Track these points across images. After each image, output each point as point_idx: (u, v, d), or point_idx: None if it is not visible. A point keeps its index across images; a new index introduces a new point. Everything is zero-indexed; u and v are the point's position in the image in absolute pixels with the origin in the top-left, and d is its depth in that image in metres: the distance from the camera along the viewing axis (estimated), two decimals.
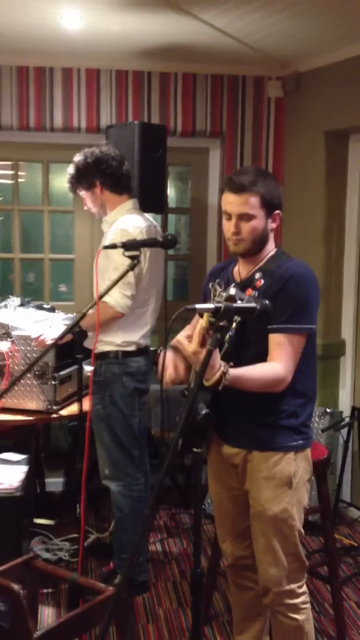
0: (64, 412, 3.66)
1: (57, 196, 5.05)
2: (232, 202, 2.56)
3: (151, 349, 3.70)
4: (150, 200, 4.00)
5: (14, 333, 3.56)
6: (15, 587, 2.33)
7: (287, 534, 2.61)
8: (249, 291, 2.56)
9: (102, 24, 3.90)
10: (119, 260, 3.07)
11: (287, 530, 2.61)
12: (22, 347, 3.55)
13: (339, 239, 4.67)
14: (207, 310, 2.19)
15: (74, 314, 3.97)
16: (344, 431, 4.34)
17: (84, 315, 2.83)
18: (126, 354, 3.50)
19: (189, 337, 2.38)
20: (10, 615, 2.35)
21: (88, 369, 3.38)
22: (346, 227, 4.67)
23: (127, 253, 2.82)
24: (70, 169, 3.58)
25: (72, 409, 3.67)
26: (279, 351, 2.49)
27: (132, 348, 3.52)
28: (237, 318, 2.47)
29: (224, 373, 2.31)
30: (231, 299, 2.22)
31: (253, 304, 2.23)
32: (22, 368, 3.53)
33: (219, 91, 4.86)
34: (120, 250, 2.86)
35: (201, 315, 2.26)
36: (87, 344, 3.26)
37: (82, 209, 3.77)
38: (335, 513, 4.40)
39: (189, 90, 4.82)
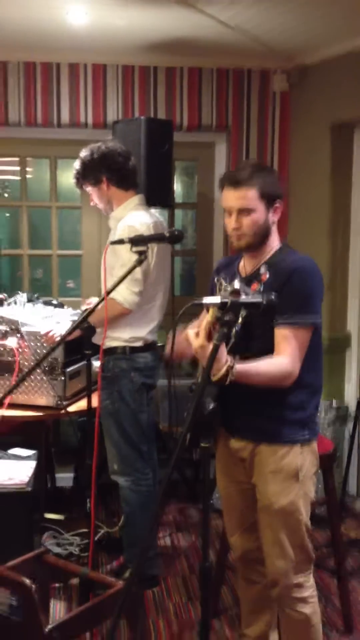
0: (73, 408, 3.68)
1: (65, 192, 5.06)
2: (230, 197, 2.57)
3: (158, 344, 3.71)
4: (157, 196, 4.01)
5: (23, 329, 3.57)
6: (27, 581, 2.35)
7: (294, 527, 2.63)
8: (255, 285, 2.57)
9: (107, 19, 3.91)
10: (127, 256, 3.08)
11: (294, 523, 2.62)
12: (32, 343, 3.57)
13: (345, 232, 4.67)
14: (213, 304, 2.21)
15: (83, 304, 3.98)
16: (350, 424, 4.35)
17: (92, 311, 2.85)
18: (134, 350, 3.52)
19: (196, 333, 2.39)
20: (22, 610, 2.37)
21: (96, 364, 3.40)
22: (352, 221, 4.67)
23: (135, 249, 2.83)
24: (77, 165, 3.58)
25: (82, 404, 3.69)
26: (285, 345, 2.50)
27: (139, 344, 3.53)
28: (243, 312, 2.48)
29: (231, 367, 2.33)
30: (236, 292, 2.24)
31: (259, 299, 2.24)
32: (31, 364, 3.55)
33: (224, 85, 4.86)
34: (127, 247, 2.86)
35: (208, 310, 2.28)
36: (96, 339, 3.27)
37: (89, 204, 3.77)
38: (342, 506, 4.40)
39: (194, 85, 4.82)
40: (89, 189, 3.62)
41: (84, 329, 2.90)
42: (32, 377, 3.57)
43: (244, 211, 2.55)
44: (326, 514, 3.47)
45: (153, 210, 3.71)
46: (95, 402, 3.21)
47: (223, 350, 2.31)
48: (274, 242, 2.65)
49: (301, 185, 4.85)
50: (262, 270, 2.60)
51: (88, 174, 3.56)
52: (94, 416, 3.00)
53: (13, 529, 3.04)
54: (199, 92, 4.83)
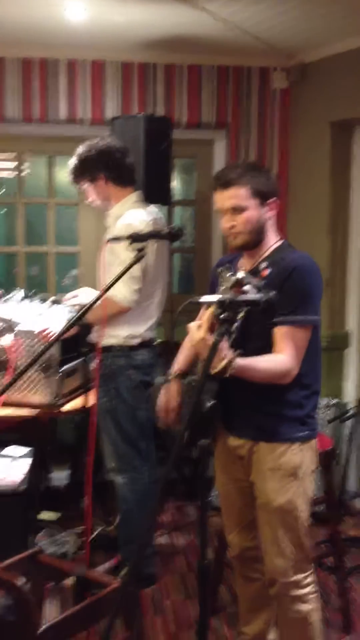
0: (69, 406, 3.66)
1: (62, 189, 5.04)
2: (221, 198, 2.58)
3: (157, 341, 3.69)
4: (156, 193, 3.98)
5: (18, 327, 3.55)
6: (21, 581, 2.33)
7: (292, 525, 2.62)
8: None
9: (106, 15, 3.89)
10: (125, 255, 3.06)
11: (292, 521, 2.61)
12: (27, 341, 3.55)
13: (344, 230, 4.66)
14: (212, 302, 2.19)
15: (65, 300, 3.97)
16: (350, 422, 4.34)
17: (88, 309, 2.82)
18: (132, 347, 3.50)
19: (197, 325, 2.38)
20: (16, 610, 2.35)
21: (94, 362, 3.38)
22: (351, 219, 4.66)
23: (134, 246, 2.80)
24: (74, 161, 3.55)
25: (78, 402, 3.68)
26: (284, 343, 2.49)
27: (137, 341, 3.51)
28: (242, 310, 2.47)
29: (231, 361, 2.31)
30: (239, 282, 2.23)
31: (259, 296, 2.23)
32: (27, 362, 3.52)
33: (224, 83, 4.84)
34: (126, 245, 2.84)
35: (207, 308, 2.28)
36: (92, 337, 3.25)
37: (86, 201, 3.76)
38: (341, 504, 4.39)
39: (194, 82, 4.80)
40: (86, 185, 3.59)
41: (81, 326, 2.88)
42: (27, 375, 3.55)
43: (236, 210, 2.55)
44: (325, 512, 3.45)
45: (152, 207, 3.69)
46: (92, 399, 3.19)
47: (224, 343, 2.30)
48: (272, 240, 2.64)
49: (301, 183, 4.83)
50: (263, 265, 2.59)
51: (85, 170, 3.54)
52: (91, 413, 2.98)
53: (7, 528, 3.03)
54: (198, 90, 4.81)
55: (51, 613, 3.45)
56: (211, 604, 3.44)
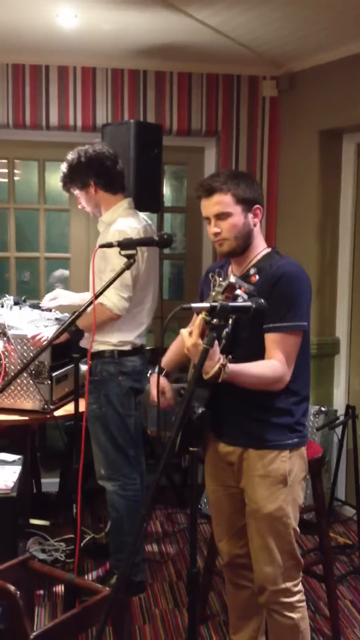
0: (60, 412, 3.66)
1: (53, 194, 5.04)
2: (206, 205, 2.61)
3: (147, 347, 3.69)
4: (146, 199, 3.99)
5: (9, 332, 3.55)
6: (12, 588, 2.32)
7: (282, 532, 2.61)
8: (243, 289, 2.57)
9: (97, 22, 3.90)
10: (117, 262, 3.06)
11: (282, 529, 2.61)
12: (18, 347, 3.54)
13: (333, 237, 4.68)
14: (203, 309, 2.20)
15: (44, 300, 3.97)
16: (339, 430, 4.35)
17: (79, 314, 2.83)
18: (122, 354, 3.50)
19: (189, 331, 2.39)
20: (7, 616, 2.34)
21: (84, 368, 3.38)
22: (340, 226, 4.68)
23: (124, 252, 2.81)
24: (64, 168, 3.56)
25: (68, 408, 3.67)
26: (275, 350, 2.50)
27: (127, 347, 3.51)
28: (232, 317, 2.48)
29: (223, 365, 2.32)
30: (231, 286, 2.24)
31: (248, 303, 2.24)
32: (17, 368, 3.52)
33: (214, 90, 4.85)
34: (117, 252, 2.85)
35: (198, 314, 2.28)
36: (83, 343, 3.25)
37: (77, 207, 3.76)
38: (330, 511, 4.40)
39: (184, 89, 4.82)
40: (77, 192, 3.60)
41: (72, 332, 2.88)
42: (18, 380, 3.55)
43: (221, 216, 2.58)
44: (314, 520, 3.45)
45: (142, 214, 3.69)
46: (82, 406, 3.18)
47: (216, 348, 2.31)
48: (260, 246, 2.67)
49: (290, 191, 4.85)
50: (252, 271, 2.61)
51: (75, 177, 3.54)
52: (81, 420, 2.98)
53: None
54: (188, 97, 4.83)
55: (41, 620, 3.44)
56: (200, 612, 3.43)
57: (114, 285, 3.26)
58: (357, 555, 4.10)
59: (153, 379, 2.86)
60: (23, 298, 4.02)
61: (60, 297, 3.95)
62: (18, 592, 2.31)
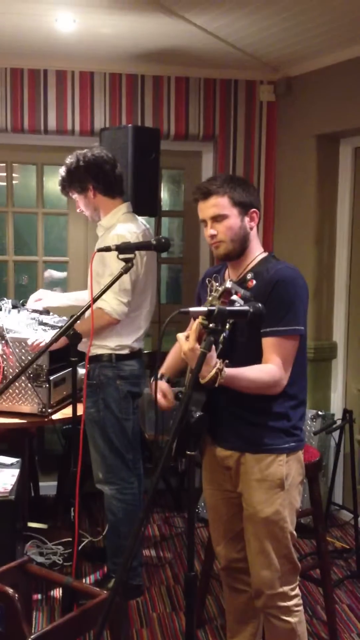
0: (58, 415, 3.66)
1: (51, 198, 5.05)
2: (202, 208, 2.63)
3: (145, 352, 3.70)
4: (144, 204, 4.00)
5: (8, 336, 3.55)
6: (10, 590, 2.32)
7: (279, 536, 2.62)
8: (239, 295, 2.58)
9: (95, 27, 3.91)
10: (116, 266, 3.06)
11: (279, 533, 2.62)
12: (17, 350, 3.55)
13: (331, 242, 4.69)
14: (200, 313, 2.21)
15: (31, 300, 3.98)
16: (336, 434, 4.35)
17: (77, 318, 2.83)
18: (120, 358, 3.50)
19: (186, 335, 2.40)
20: (5, 619, 2.34)
21: (82, 372, 3.38)
22: (337, 230, 4.69)
23: (122, 256, 2.81)
24: (62, 172, 3.56)
25: (66, 412, 3.67)
26: (272, 354, 2.51)
27: (125, 352, 3.52)
28: (230, 321, 2.50)
29: (220, 370, 2.33)
30: (227, 291, 2.25)
31: (246, 308, 2.25)
32: (16, 371, 3.52)
33: (211, 95, 4.87)
34: (116, 256, 2.85)
35: (195, 318, 2.29)
36: (81, 347, 3.25)
37: (76, 211, 3.76)
38: (327, 516, 4.40)
39: (182, 94, 4.83)
40: (75, 196, 3.61)
41: (70, 336, 2.88)
42: (16, 384, 3.55)
43: (217, 218, 2.59)
44: (312, 524, 3.46)
45: (140, 218, 3.70)
46: (80, 409, 3.19)
47: (213, 352, 2.31)
48: (256, 251, 2.68)
49: (287, 195, 4.86)
50: (249, 276, 2.62)
51: (74, 181, 3.55)
52: (79, 424, 2.98)
53: None
54: (186, 102, 4.84)
55: (39, 623, 3.44)
56: (198, 616, 3.43)
57: (113, 290, 3.27)
58: (354, 559, 4.10)
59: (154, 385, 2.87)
60: (21, 301, 4.03)
61: (46, 298, 3.95)
62: (16, 595, 2.31)
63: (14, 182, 4.95)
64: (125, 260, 2.80)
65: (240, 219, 2.61)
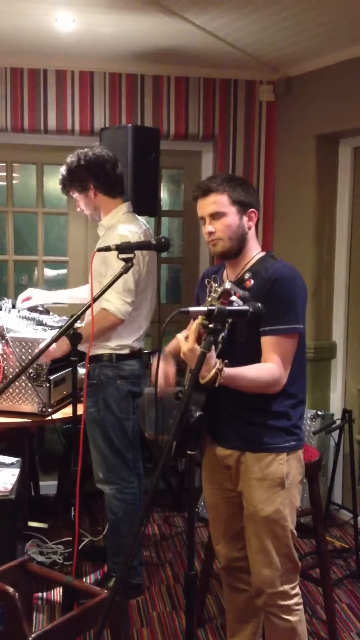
0: (58, 415, 3.66)
1: (51, 198, 5.05)
2: (202, 205, 2.65)
3: (145, 351, 3.70)
4: (144, 203, 4.01)
5: (8, 335, 3.55)
6: (10, 589, 2.32)
7: (280, 535, 2.62)
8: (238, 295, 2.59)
9: (95, 27, 3.91)
10: (118, 266, 3.06)
11: (280, 531, 2.62)
12: (17, 350, 3.55)
13: (330, 241, 4.69)
14: (200, 313, 2.21)
15: (20, 302, 3.98)
16: (336, 434, 4.36)
17: (77, 318, 2.82)
18: (120, 357, 3.50)
19: (185, 336, 2.40)
20: (5, 618, 2.35)
21: (82, 371, 3.39)
22: (337, 230, 4.70)
23: (122, 256, 2.82)
24: (63, 171, 3.56)
25: (67, 411, 3.67)
26: (272, 352, 2.52)
27: (126, 351, 3.52)
28: (229, 320, 2.50)
29: (220, 370, 2.33)
30: (226, 293, 2.25)
31: (245, 307, 2.25)
32: (16, 370, 3.52)
33: (211, 95, 4.87)
34: (116, 256, 2.85)
35: (195, 318, 2.29)
36: (82, 347, 3.25)
37: (76, 211, 3.77)
38: (327, 515, 4.41)
39: (181, 94, 4.83)
40: (76, 195, 3.60)
41: (70, 336, 2.88)
42: (16, 383, 3.54)
43: (215, 215, 2.61)
44: (311, 523, 3.46)
45: (140, 218, 3.70)
46: (80, 409, 3.19)
47: (212, 353, 2.32)
48: (254, 250, 2.68)
49: (287, 195, 4.87)
50: (247, 276, 2.63)
51: (75, 180, 3.55)
52: (79, 423, 2.98)
53: None
54: (185, 101, 4.84)
55: (39, 622, 3.44)
56: (198, 615, 3.44)
57: (116, 290, 3.28)
58: (353, 559, 4.10)
59: (154, 364, 2.83)
60: (9, 301, 4.02)
61: (35, 297, 3.95)
62: (16, 594, 2.31)
63: (14, 181, 4.95)
64: (125, 260, 2.81)
65: (239, 217, 2.62)
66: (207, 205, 2.62)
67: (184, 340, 2.36)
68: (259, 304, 2.28)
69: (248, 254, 2.67)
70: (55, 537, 4.07)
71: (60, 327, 3.56)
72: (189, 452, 2.19)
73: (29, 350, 3.52)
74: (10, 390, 3.57)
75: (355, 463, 4.24)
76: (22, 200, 5.11)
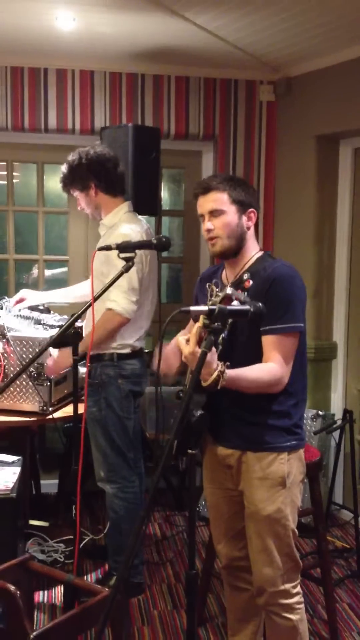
0: (59, 414, 3.66)
1: (52, 197, 5.05)
2: (202, 203, 2.66)
3: (145, 351, 3.70)
4: (144, 203, 4.00)
5: (9, 334, 3.55)
6: (11, 588, 2.32)
7: (281, 534, 2.63)
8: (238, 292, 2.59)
9: (96, 26, 3.92)
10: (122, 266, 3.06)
11: (281, 530, 2.62)
12: (18, 349, 3.55)
13: (330, 242, 4.70)
14: (201, 312, 2.21)
15: (14, 305, 3.99)
16: (336, 434, 4.36)
17: (78, 317, 2.82)
18: (121, 357, 3.50)
19: (186, 339, 2.40)
20: (6, 616, 2.35)
21: (83, 370, 3.39)
22: (337, 230, 4.70)
23: (122, 255, 2.81)
24: (64, 169, 3.55)
25: (67, 410, 3.68)
26: (273, 352, 2.52)
27: (127, 351, 3.52)
28: (230, 320, 2.50)
29: (222, 372, 2.33)
30: (227, 298, 2.25)
31: (246, 307, 2.25)
32: (17, 369, 3.52)
33: (211, 94, 4.87)
34: (117, 255, 2.85)
35: (195, 320, 2.29)
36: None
37: (76, 210, 3.76)
38: (328, 515, 4.41)
39: (182, 93, 4.84)
40: (76, 193, 3.60)
41: (70, 335, 2.87)
42: (17, 382, 3.55)
43: (214, 212, 2.62)
44: (312, 523, 3.46)
45: (141, 217, 3.70)
46: (81, 408, 3.19)
47: (214, 355, 2.32)
48: (253, 250, 2.69)
49: (287, 195, 4.87)
50: (246, 276, 2.63)
51: (76, 179, 3.54)
52: (80, 422, 2.98)
53: None
54: (186, 101, 4.85)
55: (40, 621, 3.44)
56: (199, 614, 3.44)
57: (121, 289, 3.28)
58: (354, 558, 4.10)
59: (156, 350, 2.84)
60: (4, 302, 4.02)
61: (29, 298, 3.95)
62: (18, 592, 2.31)
63: (14, 180, 4.95)
64: (126, 260, 2.80)
65: (238, 216, 2.62)
66: (206, 203, 2.63)
67: (185, 344, 2.36)
68: (260, 304, 2.28)
69: (247, 253, 2.67)
70: (56, 536, 4.07)
71: (60, 326, 3.58)
72: (190, 451, 2.19)
73: (30, 349, 3.52)
74: (11, 389, 3.57)
75: (356, 463, 4.24)
76: (23, 200, 5.11)
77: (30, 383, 3.55)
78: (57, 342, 2.89)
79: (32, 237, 5.05)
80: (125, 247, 2.84)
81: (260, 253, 2.70)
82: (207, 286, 2.37)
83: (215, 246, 2.64)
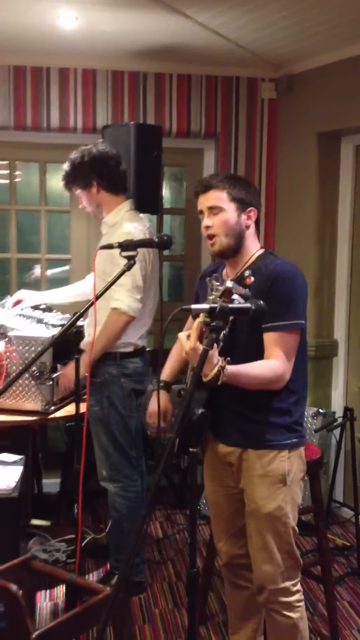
0: (61, 413, 3.67)
1: (54, 196, 5.06)
2: (202, 200, 2.67)
3: (147, 349, 3.70)
4: (146, 201, 4.00)
5: (10, 333, 3.56)
6: (13, 587, 2.33)
7: (281, 532, 2.63)
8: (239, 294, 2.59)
9: (98, 24, 3.92)
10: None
11: (281, 528, 2.63)
12: (20, 348, 3.55)
13: (332, 240, 4.69)
14: (202, 310, 2.22)
15: (13, 306, 3.99)
16: (337, 432, 4.36)
17: (80, 315, 2.82)
18: (124, 355, 3.50)
19: (187, 335, 2.41)
20: (8, 616, 2.36)
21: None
22: (338, 228, 4.69)
23: (124, 254, 2.81)
24: (66, 167, 3.55)
25: (69, 409, 3.68)
26: (274, 348, 2.52)
27: (129, 349, 3.52)
28: (231, 317, 2.50)
29: (222, 368, 2.34)
30: (228, 291, 2.25)
31: (248, 304, 2.26)
32: (19, 368, 3.52)
33: (213, 92, 4.87)
34: (119, 254, 2.85)
35: (195, 317, 2.30)
36: (84, 344, 3.26)
37: (78, 208, 3.76)
38: (328, 513, 4.41)
39: (183, 91, 4.83)
40: (79, 192, 3.60)
41: (72, 334, 2.88)
42: (19, 381, 3.55)
43: (213, 209, 2.63)
44: (312, 521, 3.47)
45: (142, 216, 3.70)
46: (83, 407, 3.19)
47: (214, 351, 2.32)
48: (253, 248, 2.69)
49: (289, 193, 4.87)
50: (247, 273, 2.63)
51: (78, 177, 3.54)
52: (82, 421, 2.99)
53: None
54: (188, 99, 4.84)
55: (42, 620, 3.45)
56: (200, 612, 3.45)
57: (125, 287, 3.28)
58: (355, 556, 4.11)
59: (154, 399, 2.89)
60: (2, 302, 4.03)
61: (28, 299, 3.95)
62: (20, 592, 2.32)
63: (16, 179, 4.95)
64: (128, 258, 2.80)
65: (237, 214, 2.63)
66: (206, 200, 2.64)
67: (186, 339, 2.37)
68: (261, 302, 2.28)
69: (247, 251, 2.67)
70: (58, 535, 4.07)
71: (62, 325, 3.58)
72: (191, 449, 2.20)
73: (32, 349, 3.52)
74: (14, 388, 3.57)
75: (357, 461, 4.24)
76: (25, 199, 5.11)
77: (32, 382, 3.56)
78: (59, 341, 2.89)
79: (34, 236, 5.05)
80: (127, 246, 2.83)
81: (262, 250, 2.70)
82: (207, 281, 2.38)
83: (214, 246, 2.65)
